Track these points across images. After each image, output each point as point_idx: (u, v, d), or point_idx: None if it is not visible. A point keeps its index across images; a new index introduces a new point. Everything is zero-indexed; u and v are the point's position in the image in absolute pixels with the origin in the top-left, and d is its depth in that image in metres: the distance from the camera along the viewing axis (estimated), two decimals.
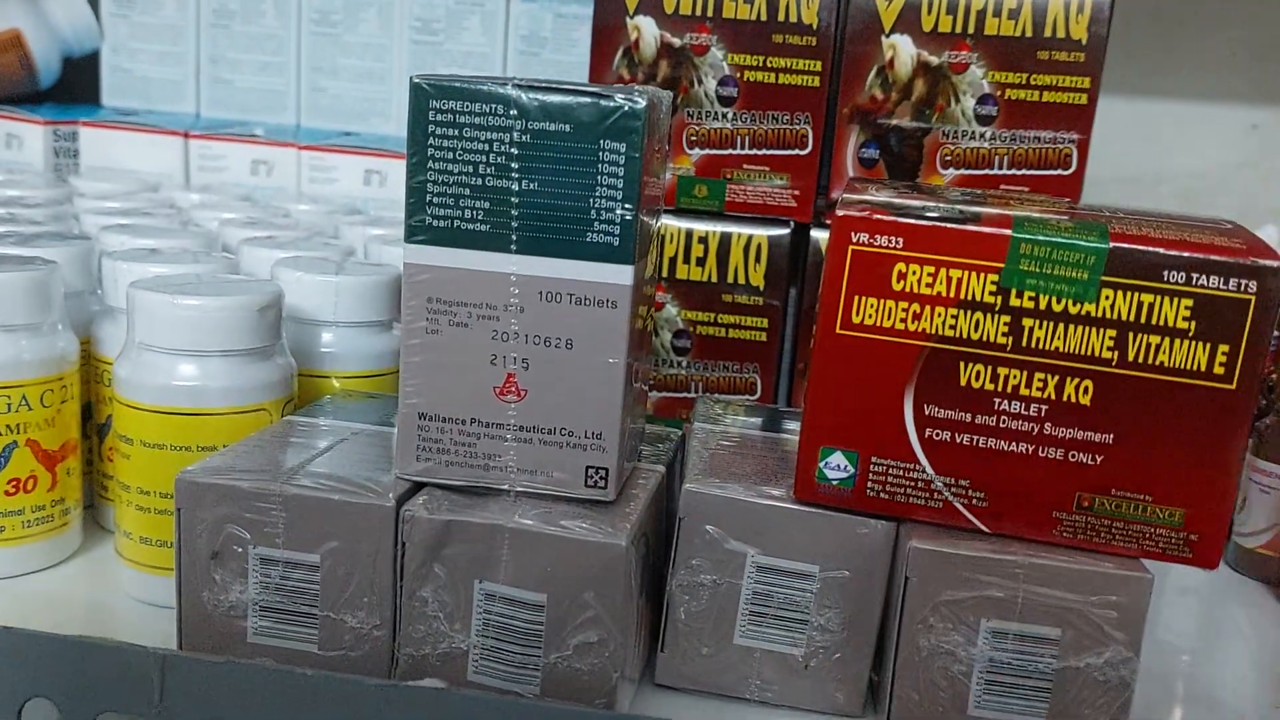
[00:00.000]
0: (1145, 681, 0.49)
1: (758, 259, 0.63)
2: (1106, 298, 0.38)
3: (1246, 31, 0.95)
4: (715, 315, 0.64)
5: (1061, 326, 0.38)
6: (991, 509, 0.40)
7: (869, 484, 0.41)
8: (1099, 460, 0.39)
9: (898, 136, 0.64)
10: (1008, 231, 0.38)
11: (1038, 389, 0.39)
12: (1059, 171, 0.63)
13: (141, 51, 0.95)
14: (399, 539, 0.38)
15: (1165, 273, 0.38)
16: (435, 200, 0.38)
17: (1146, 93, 0.97)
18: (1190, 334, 0.38)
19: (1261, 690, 0.49)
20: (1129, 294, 0.38)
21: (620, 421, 0.39)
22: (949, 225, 0.39)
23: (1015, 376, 0.39)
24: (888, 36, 0.62)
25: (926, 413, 0.40)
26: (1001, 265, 0.38)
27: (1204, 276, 0.37)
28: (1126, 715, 0.38)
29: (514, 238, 0.38)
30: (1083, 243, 0.38)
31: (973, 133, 0.63)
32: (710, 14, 0.63)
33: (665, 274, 0.64)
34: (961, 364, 0.39)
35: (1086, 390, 0.39)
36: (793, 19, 0.62)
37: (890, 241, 0.39)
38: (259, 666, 0.35)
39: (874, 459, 0.40)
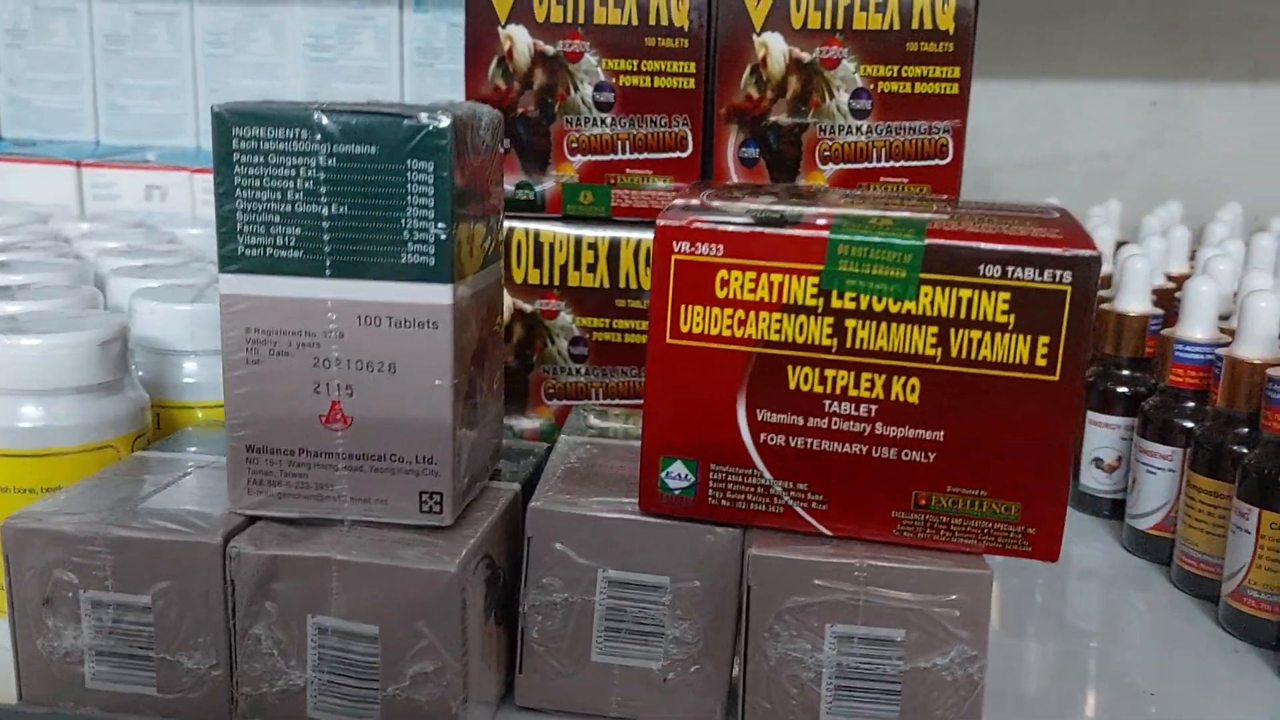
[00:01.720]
0: (1059, 665, 0.49)
1: (648, 263, 0.62)
2: (926, 295, 0.37)
3: (1144, 9, 0.95)
4: (610, 321, 0.63)
5: (884, 326, 0.38)
6: (831, 512, 0.39)
7: (710, 492, 0.40)
8: (932, 458, 0.38)
9: (776, 134, 0.63)
10: (825, 234, 0.38)
11: (866, 389, 0.38)
12: (936, 161, 0.62)
13: (37, 81, 0.93)
14: (227, 576, 0.37)
15: (981, 267, 0.37)
16: (246, 229, 0.37)
17: (1048, 75, 0.97)
18: (1010, 327, 0.37)
19: (1162, 671, 0.49)
20: (948, 290, 0.37)
21: (453, 444, 0.38)
22: (767, 230, 0.38)
23: (843, 378, 0.38)
24: (759, 35, 0.62)
25: (759, 418, 0.39)
26: (821, 267, 0.38)
27: (1019, 269, 0.37)
28: (979, 713, 0.38)
29: (328, 263, 0.37)
30: (899, 241, 0.37)
31: (849, 127, 0.62)
32: (582, 20, 0.62)
33: (557, 282, 0.63)
34: (790, 368, 0.39)
35: (914, 388, 0.38)
36: (664, 21, 0.62)
37: (711, 249, 0.38)
38: (85, 716, 0.34)
39: (713, 466, 0.40)
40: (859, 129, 0.62)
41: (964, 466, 0.38)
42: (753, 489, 0.40)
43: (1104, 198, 0.91)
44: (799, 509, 0.40)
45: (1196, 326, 0.57)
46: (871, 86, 0.62)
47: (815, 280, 0.38)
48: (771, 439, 0.39)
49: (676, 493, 0.40)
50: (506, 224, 0.62)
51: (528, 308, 0.64)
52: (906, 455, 0.38)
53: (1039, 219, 0.40)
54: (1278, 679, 0.47)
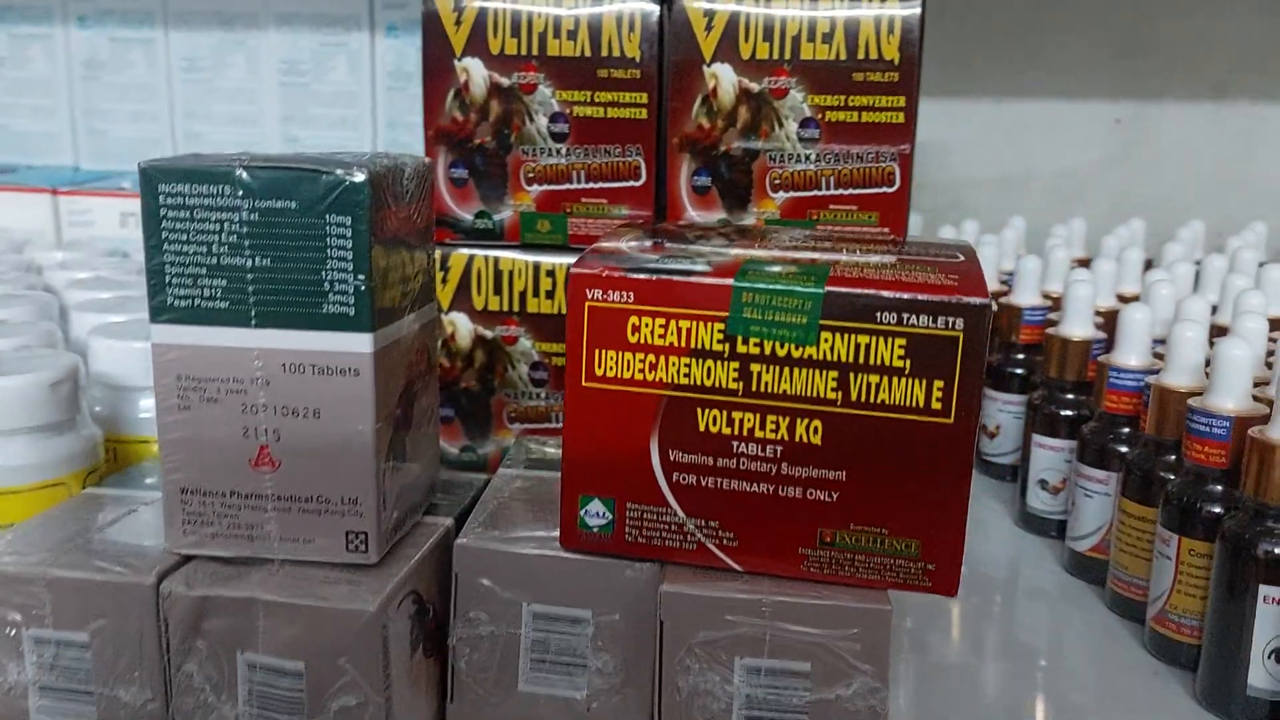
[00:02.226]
0: (1009, 681, 0.51)
1: None
2: (826, 340, 0.39)
3: (1108, 28, 0.96)
4: None
5: (787, 370, 0.39)
6: (742, 548, 0.41)
7: (627, 529, 0.41)
8: (835, 496, 0.40)
9: (727, 163, 0.64)
10: (729, 281, 0.39)
11: (771, 431, 0.40)
12: (884, 189, 0.64)
13: (16, 106, 0.95)
14: (160, 615, 0.39)
15: (878, 314, 0.38)
16: (174, 281, 0.38)
17: (1013, 94, 0.99)
18: (906, 371, 0.38)
19: (1085, 690, 0.50)
20: (846, 336, 0.39)
21: (376, 486, 0.40)
22: (675, 278, 0.39)
23: (749, 420, 0.40)
24: (709, 66, 0.63)
25: (672, 458, 0.41)
26: (726, 314, 0.39)
27: (914, 316, 0.38)
28: None
29: (253, 313, 0.38)
30: (800, 289, 0.39)
31: (798, 155, 0.64)
32: (536, 52, 0.64)
33: (516, 308, 0.65)
34: (699, 410, 0.40)
35: (817, 430, 0.39)
36: (615, 53, 0.63)
37: (622, 296, 0.40)
38: None
39: (629, 504, 0.41)
40: (808, 157, 0.64)
41: (865, 505, 0.40)
42: (667, 526, 0.41)
43: (1071, 213, 0.92)
44: (711, 546, 0.41)
45: (1131, 353, 0.58)
46: (819, 116, 0.63)
47: (721, 326, 0.39)
48: (684, 478, 0.41)
49: (595, 530, 0.42)
50: (467, 252, 0.63)
51: (488, 334, 0.65)
52: (811, 494, 0.40)
53: (943, 264, 0.41)
54: (1193, 702, 0.48)
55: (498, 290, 0.65)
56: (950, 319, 0.38)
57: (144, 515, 0.44)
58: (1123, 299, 0.76)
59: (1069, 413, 0.64)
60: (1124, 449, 0.58)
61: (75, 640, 0.40)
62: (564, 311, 0.64)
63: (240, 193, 0.37)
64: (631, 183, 0.65)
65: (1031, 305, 0.73)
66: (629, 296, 0.39)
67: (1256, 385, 0.52)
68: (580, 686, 0.42)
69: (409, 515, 0.44)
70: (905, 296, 0.38)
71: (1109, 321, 0.69)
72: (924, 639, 0.55)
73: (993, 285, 0.78)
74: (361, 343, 0.38)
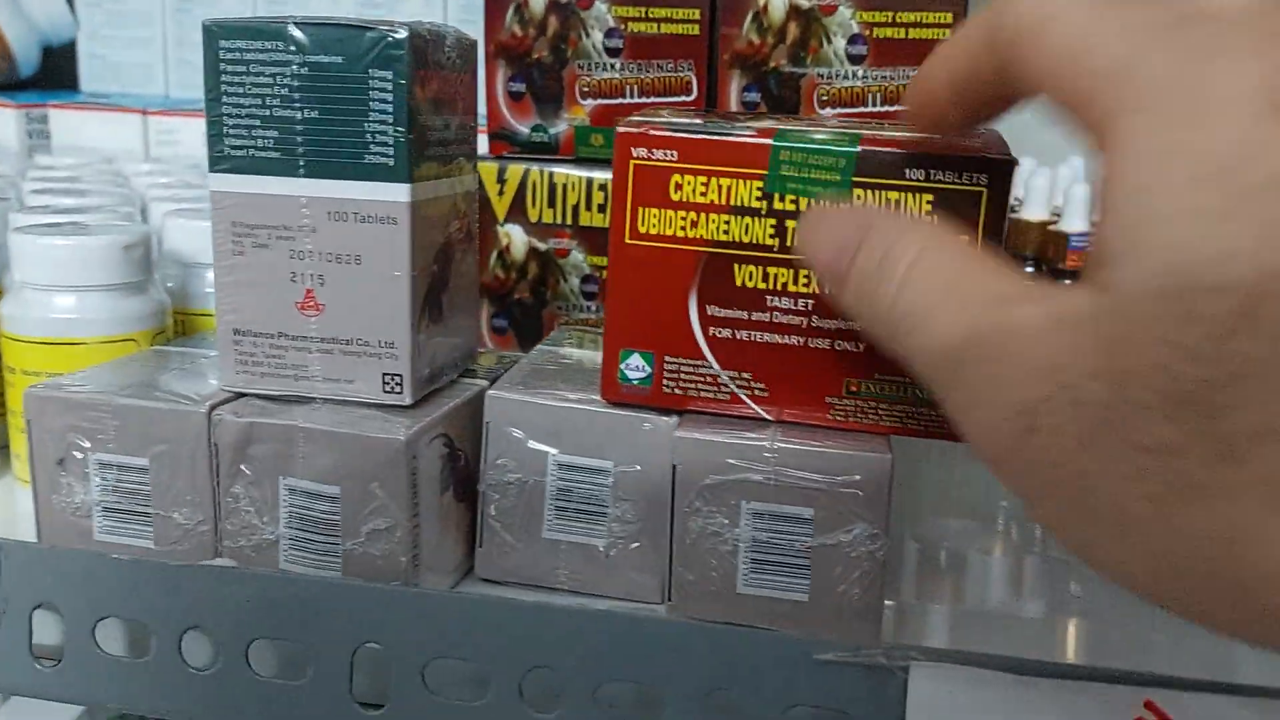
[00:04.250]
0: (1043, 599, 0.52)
1: None
2: (859, 197, 0.41)
3: None
4: None
5: None
6: (772, 398, 0.43)
7: (664, 382, 0.44)
8: (862, 348, 0.42)
9: (776, 80, 0.66)
10: (769, 141, 0.41)
11: (804, 285, 0.42)
12: None
13: (114, 38, 1.00)
14: (211, 441, 0.42)
15: (907, 171, 0.40)
16: (231, 132, 0.42)
17: None
18: None
19: (1128, 598, 0.51)
20: (878, 193, 0.41)
21: (411, 330, 0.42)
22: (717, 137, 0.42)
23: (783, 275, 0.42)
24: None
25: (709, 313, 0.43)
26: (765, 172, 0.41)
27: (940, 172, 0.40)
28: (880, 589, 0.41)
29: (301, 163, 0.41)
30: (835, 147, 0.41)
31: (846, 73, 0.65)
32: None
33: (570, 221, 0.67)
34: (736, 266, 0.42)
35: None
36: None
37: (666, 155, 0.42)
38: (82, 553, 0.40)
39: (667, 358, 0.44)
40: (855, 74, 0.65)
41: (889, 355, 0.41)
42: (703, 379, 0.43)
43: None
44: (744, 396, 0.43)
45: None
46: (867, 32, 0.64)
47: (760, 184, 0.41)
48: (719, 333, 0.43)
49: (635, 383, 0.44)
50: (523, 165, 0.66)
51: (542, 246, 0.68)
52: (839, 345, 0.42)
53: (973, 134, 0.43)
54: None
55: (551, 203, 0.67)
56: (975, 174, 0.40)
57: (205, 366, 0.48)
58: None
59: None
60: None
61: (136, 464, 0.43)
62: None
63: (292, 48, 0.40)
64: (683, 97, 0.67)
65: (1079, 232, 0.73)
66: (673, 155, 0.42)
67: None
68: (601, 534, 0.45)
69: (445, 371, 0.46)
70: (933, 154, 0.40)
71: None
72: (932, 533, 0.56)
73: (1045, 216, 0.79)
74: (400, 192, 0.41)
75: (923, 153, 0.40)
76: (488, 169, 0.67)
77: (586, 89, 0.67)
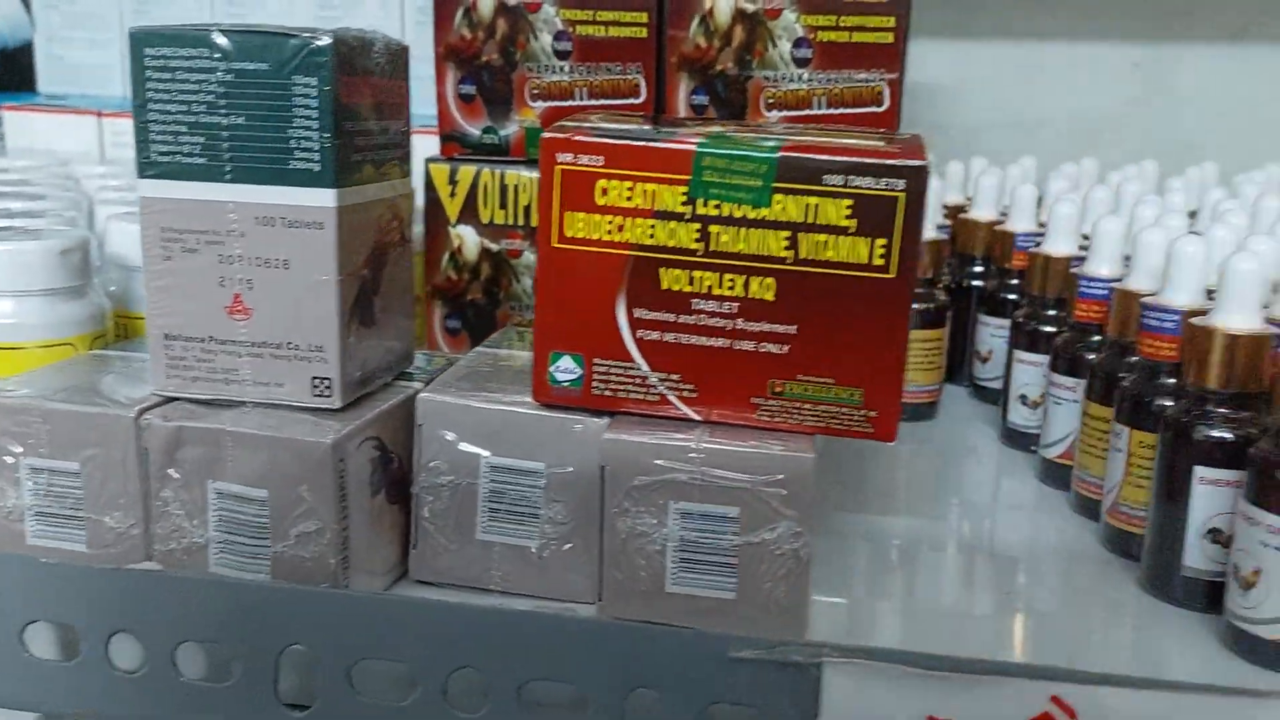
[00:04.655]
0: (963, 577, 0.52)
1: None
2: (779, 202, 0.41)
3: None
4: None
5: (743, 231, 0.42)
6: (700, 399, 0.44)
7: (594, 383, 0.44)
8: (786, 349, 0.42)
9: (723, 82, 0.67)
10: (692, 147, 0.42)
11: (728, 288, 0.42)
12: (873, 109, 0.65)
13: (72, 40, 1.00)
14: (140, 445, 0.43)
15: (825, 177, 0.41)
16: (158, 139, 0.42)
17: (1028, 35, 0.99)
18: (852, 230, 0.41)
19: (1052, 580, 0.52)
20: (797, 198, 0.41)
21: (340, 334, 0.43)
22: (642, 143, 0.42)
23: (708, 278, 0.43)
24: None
25: (637, 316, 0.43)
26: (689, 178, 0.42)
27: (858, 178, 0.41)
28: (805, 585, 0.42)
29: (228, 169, 0.42)
30: (755, 154, 0.41)
31: (791, 75, 0.66)
32: None
33: (521, 222, 0.68)
34: (662, 269, 0.43)
35: (770, 287, 0.42)
36: None
37: (592, 160, 0.43)
38: (11, 557, 0.40)
39: (596, 360, 0.44)
40: (800, 77, 0.66)
41: (813, 357, 0.42)
42: (632, 380, 0.44)
43: (1085, 158, 0.92)
44: (672, 397, 0.44)
45: (1101, 263, 0.59)
46: (811, 36, 0.65)
47: (684, 189, 0.42)
48: (647, 335, 0.43)
49: (565, 385, 0.44)
50: (474, 167, 0.66)
51: (494, 247, 0.68)
52: (763, 347, 0.43)
53: (893, 138, 0.43)
54: (1138, 588, 0.50)
55: (503, 204, 0.68)
56: (891, 180, 0.40)
57: (142, 370, 0.48)
58: None
59: (1049, 329, 0.65)
60: (1091, 355, 0.59)
61: (67, 469, 0.43)
62: None
63: (217, 55, 0.41)
64: (632, 100, 0.67)
65: (1025, 231, 0.74)
66: (599, 160, 0.42)
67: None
68: (533, 535, 0.45)
69: (378, 374, 0.47)
70: (851, 160, 0.40)
71: None
72: (884, 531, 0.57)
73: (993, 217, 0.79)
74: (326, 197, 0.41)
75: (841, 159, 0.41)
76: (439, 170, 0.68)
77: (536, 91, 0.67)
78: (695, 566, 0.42)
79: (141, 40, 0.41)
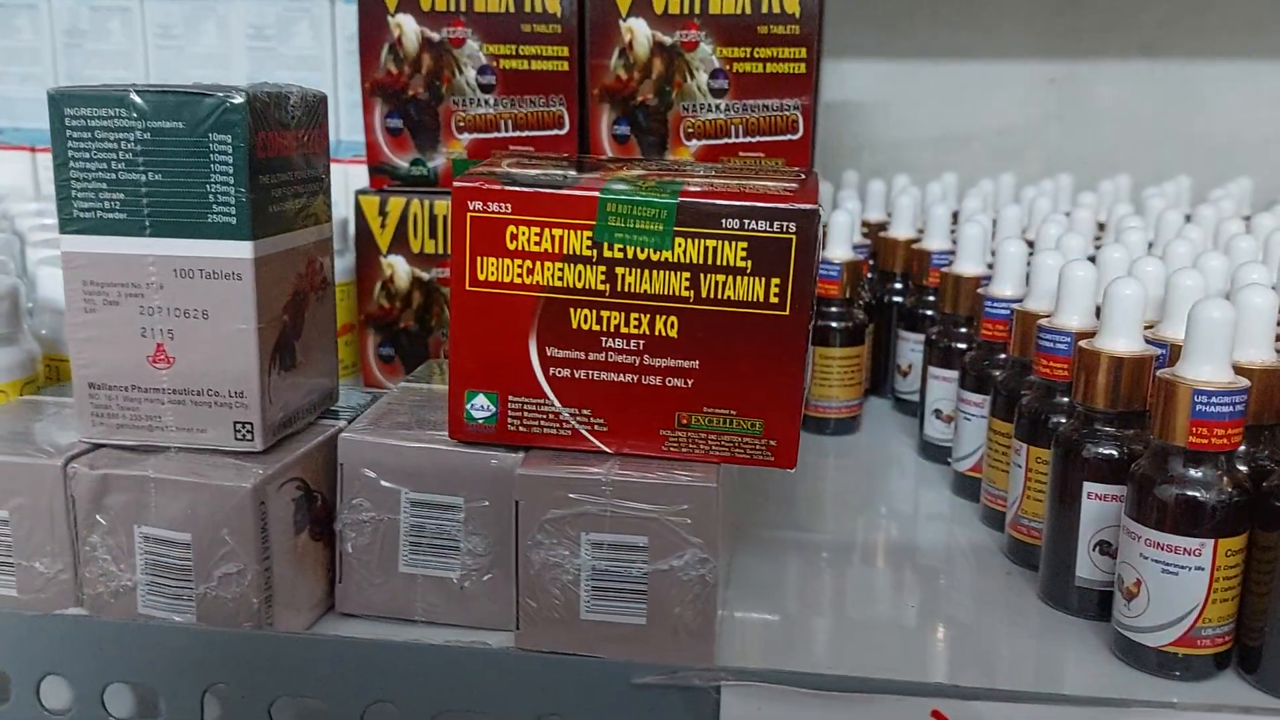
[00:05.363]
0: (867, 589, 0.55)
1: None
2: (679, 245, 0.44)
3: None
4: None
5: (647, 272, 0.44)
6: (611, 433, 0.46)
7: (509, 420, 0.46)
8: (690, 383, 0.45)
9: (644, 113, 0.69)
10: (596, 194, 0.44)
11: (634, 326, 0.45)
12: (789, 137, 0.68)
13: (5, 74, 1.00)
14: (68, 493, 0.44)
15: (723, 220, 0.43)
16: (79, 195, 0.43)
17: (952, 55, 1.02)
18: (748, 271, 0.43)
19: (957, 590, 0.54)
20: (697, 240, 0.43)
21: (261, 380, 0.44)
22: (548, 190, 0.44)
23: (615, 318, 0.45)
24: (625, 20, 0.68)
25: (548, 354, 0.45)
26: (594, 222, 0.44)
27: (754, 221, 0.43)
28: (712, 608, 0.44)
29: (147, 223, 0.43)
30: (656, 200, 0.43)
31: (709, 105, 0.68)
32: (463, 9, 0.68)
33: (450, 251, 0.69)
34: (571, 310, 0.45)
35: (673, 325, 0.44)
36: (538, 9, 0.67)
37: (501, 207, 0.44)
38: None
39: (511, 398, 0.46)
40: (717, 107, 0.68)
41: (716, 390, 0.44)
42: (545, 416, 0.46)
43: (1008, 171, 0.95)
44: (584, 431, 0.46)
45: (1006, 284, 0.62)
46: (727, 67, 0.67)
47: (589, 234, 0.44)
48: (559, 372, 0.45)
49: (480, 422, 0.46)
50: (403, 198, 0.68)
51: (425, 276, 0.70)
52: (669, 382, 0.45)
53: (787, 178, 0.46)
54: (1037, 599, 0.52)
55: (433, 234, 0.69)
56: (784, 223, 0.43)
57: (72, 415, 0.49)
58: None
59: (961, 345, 0.68)
60: (997, 373, 0.61)
61: None
62: None
63: (134, 114, 0.42)
64: (556, 131, 0.69)
65: (940, 250, 0.76)
66: (507, 207, 0.44)
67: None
68: (454, 567, 0.47)
69: (300, 415, 0.48)
70: (747, 204, 0.43)
71: None
72: (809, 543, 0.59)
73: (911, 234, 0.82)
74: (243, 249, 0.43)
75: (738, 203, 0.43)
76: (369, 202, 0.69)
77: (462, 124, 0.69)
78: (607, 594, 0.44)
79: (61, 101, 0.42)
